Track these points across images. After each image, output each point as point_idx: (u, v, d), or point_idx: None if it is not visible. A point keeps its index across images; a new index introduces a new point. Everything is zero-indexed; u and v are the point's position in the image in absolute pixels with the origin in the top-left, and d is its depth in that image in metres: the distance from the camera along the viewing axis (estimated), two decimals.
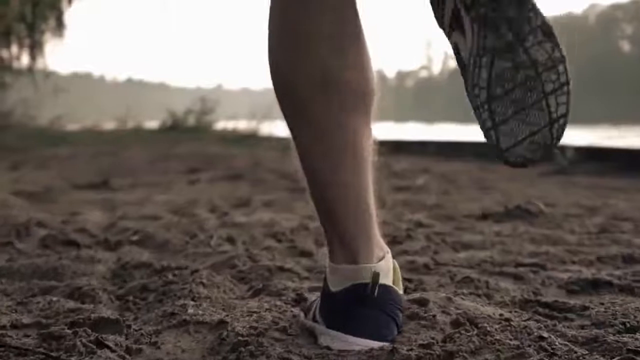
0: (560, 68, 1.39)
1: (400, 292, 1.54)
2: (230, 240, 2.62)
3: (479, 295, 1.82)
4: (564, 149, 8.40)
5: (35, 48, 20.56)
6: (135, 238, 2.68)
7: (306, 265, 2.23)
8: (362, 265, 1.49)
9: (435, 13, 1.49)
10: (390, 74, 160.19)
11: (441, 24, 1.49)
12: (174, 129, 16.45)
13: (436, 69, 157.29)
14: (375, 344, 1.42)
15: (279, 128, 15.02)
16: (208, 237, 2.59)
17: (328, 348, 1.43)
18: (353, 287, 1.48)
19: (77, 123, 21.21)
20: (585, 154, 7.97)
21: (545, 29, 1.40)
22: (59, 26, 21.06)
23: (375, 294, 1.47)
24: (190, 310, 1.62)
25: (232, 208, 4.24)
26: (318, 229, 2.83)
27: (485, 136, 1.43)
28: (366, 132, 1.54)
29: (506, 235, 2.78)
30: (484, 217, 3.28)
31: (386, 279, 1.50)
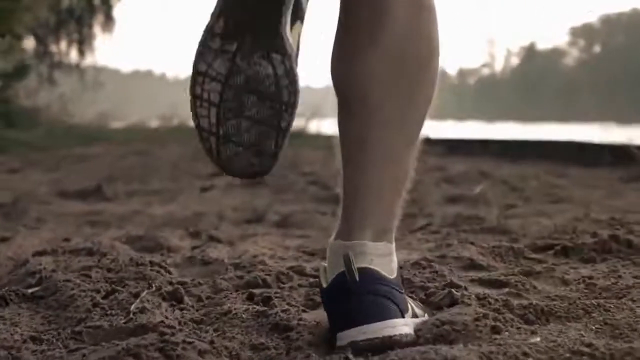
0: None
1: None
2: (173, 298, 1.67)
3: None
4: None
5: (84, 43, 20.02)
6: (32, 291, 1.75)
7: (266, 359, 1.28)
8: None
9: None
10: (452, 71, 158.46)
11: None
12: None
13: (498, 66, 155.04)
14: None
15: (328, 126, 14.17)
16: (132, 296, 1.64)
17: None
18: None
19: (123, 120, 20.69)
20: None
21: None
22: (108, 21, 20.49)
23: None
24: None
25: (235, 225, 3.35)
26: (316, 273, 1.90)
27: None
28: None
29: (604, 290, 1.79)
30: (565, 252, 2.29)
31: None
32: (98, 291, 1.69)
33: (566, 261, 2.15)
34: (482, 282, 1.88)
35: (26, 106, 14.00)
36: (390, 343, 1.31)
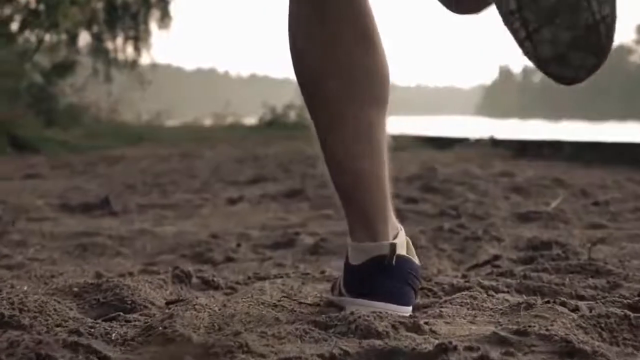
0: None
1: (416, 261, 1.66)
2: None
3: None
4: None
5: (140, 40, 19.64)
6: None
7: None
8: (380, 242, 1.60)
9: None
10: (516, 69, 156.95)
11: None
12: (271, 125, 15.04)
13: None
14: (399, 309, 1.57)
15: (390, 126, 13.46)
16: None
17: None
18: (374, 259, 1.60)
19: (179, 119, 20.34)
20: None
21: None
22: (164, 17, 20.09)
23: (394, 263, 1.59)
24: None
25: (255, 252, 2.71)
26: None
27: (521, 48, 1.32)
28: (381, 123, 1.62)
29: None
30: None
31: (402, 251, 1.62)
32: None
33: None
34: None
35: (72, 104, 13.49)
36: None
